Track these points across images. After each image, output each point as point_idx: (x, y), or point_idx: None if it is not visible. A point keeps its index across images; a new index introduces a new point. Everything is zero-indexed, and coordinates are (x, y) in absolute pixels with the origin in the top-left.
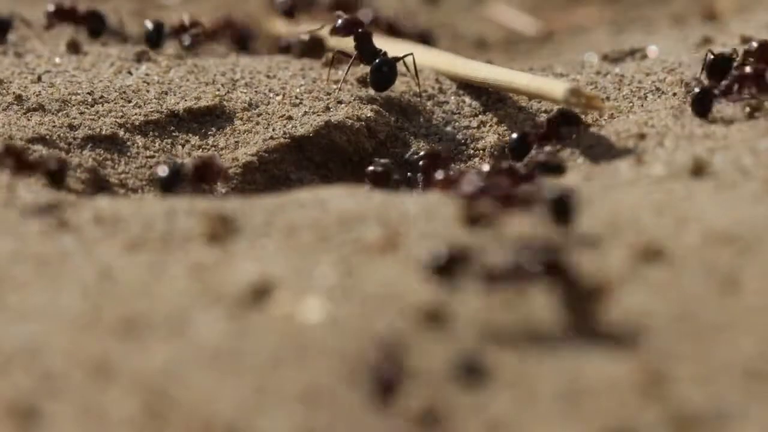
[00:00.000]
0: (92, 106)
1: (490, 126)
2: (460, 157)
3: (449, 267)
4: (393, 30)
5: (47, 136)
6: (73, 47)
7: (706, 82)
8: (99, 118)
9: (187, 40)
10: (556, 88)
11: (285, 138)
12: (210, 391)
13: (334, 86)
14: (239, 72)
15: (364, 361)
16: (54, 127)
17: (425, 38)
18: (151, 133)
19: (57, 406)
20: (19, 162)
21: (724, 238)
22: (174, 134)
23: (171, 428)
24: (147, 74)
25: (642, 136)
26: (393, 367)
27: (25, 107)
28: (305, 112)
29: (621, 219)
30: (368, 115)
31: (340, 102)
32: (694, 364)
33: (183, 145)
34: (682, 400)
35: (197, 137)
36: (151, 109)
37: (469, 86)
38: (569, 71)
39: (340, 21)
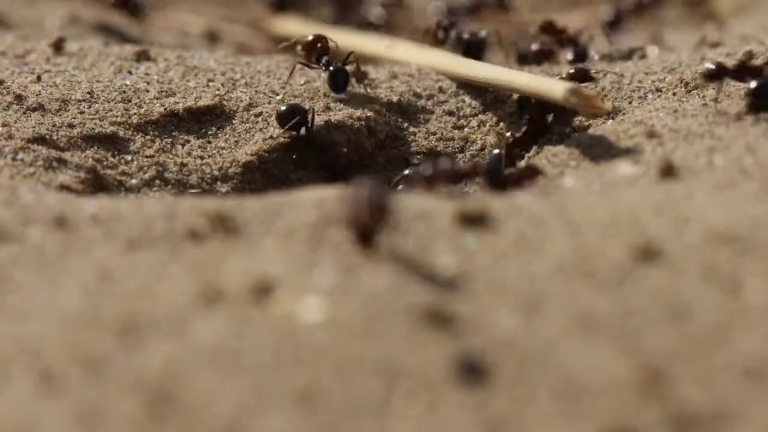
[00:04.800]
0: (92, 105)
1: (490, 126)
2: (460, 157)
3: None
4: None
5: (47, 136)
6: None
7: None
8: (99, 117)
9: None
10: (555, 87)
11: (285, 137)
12: (210, 391)
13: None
14: (239, 72)
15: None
16: (54, 126)
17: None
18: (151, 132)
19: (57, 406)
20: None
21: (724, 238)
22: (174, 134)
23: (171, 428)
24: (147, 74)
25: (642, 136)
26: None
27: (25, 107)
28: None
29: (621, 219)
30: (368, 114)
31: (340, 101)
32: (694, 364)
33: (183, 145)
34: (682, 400)
35: (197, 137)
36: (151, 109)
37: (469, 86)
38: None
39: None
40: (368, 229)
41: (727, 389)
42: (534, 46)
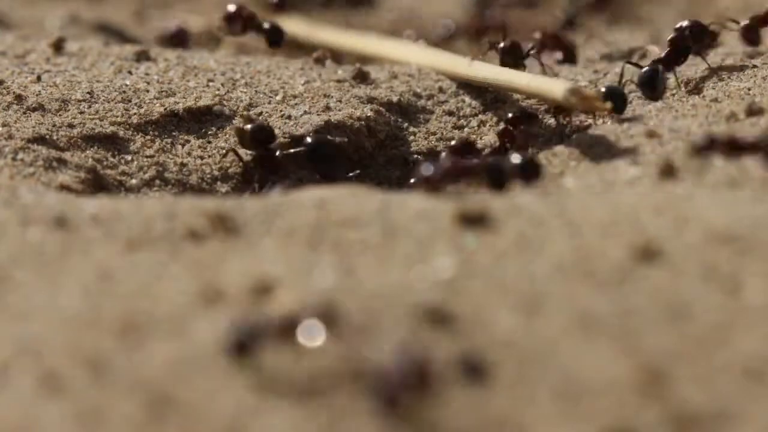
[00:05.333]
0: (92, 105)
1: (490, 126)
2: None
3: None
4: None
5: (47, 136)
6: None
7: None
8: (99, 117)
9: None
10: (556, 87)
11: (285, 137)
12: (210, 391)
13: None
14: (239, 72)
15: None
16: (54, 126)
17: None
18: (151, 132)
19: (57, 406)
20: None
21: (724, 238)
22: (174, 134)
23: (171, 428)
24: (147, 74)
25: (642, 136)
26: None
27: (25, 107)
28: (305, 112)
29: (621, 219)
30: (368, 114)
31: (340, 101)
32: (694, 364)
33: (183, 145)
34: (682, 400)
35: (197, 137)
36: (151, 109)
37: (469, 86)
38: (569, 71)
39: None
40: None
41: (727, 389)
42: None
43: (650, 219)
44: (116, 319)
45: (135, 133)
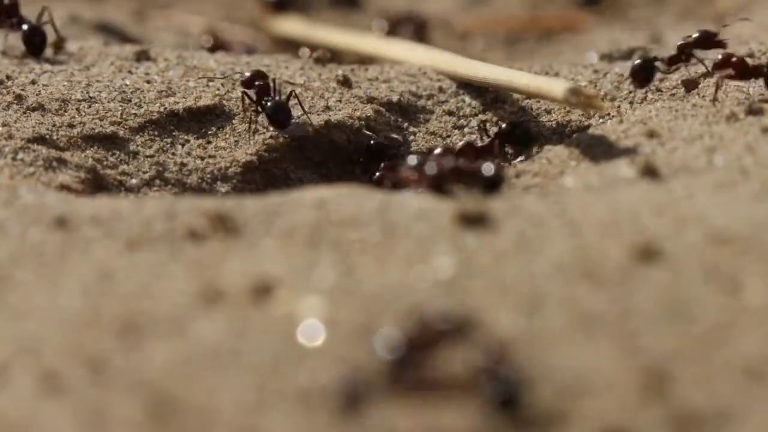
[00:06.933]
0: (92, 105)
1: (490, 125)
2: None
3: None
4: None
5: (47, 136)
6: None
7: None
8: (99, 117)
9: None
10: (556, 87)
11: (285, 137)
12: (210, 391)
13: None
14: (239, 72)
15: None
16: (54, 126)
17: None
18: (151, 132)
19: (57, 406)
20: None
21: (724, 238)
22: (174, 134)
23: (171, 428)
24: (147, 74)
25: (642, 136)
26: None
27: (25, 107)
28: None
29: (621, 219)
30: (368, 114)
31: (339, 101)
32: (694, 364)
33: (183, 145)
34: (682, 400)
35: (197, 137)
36: (151, 109)
37: (469, 86)
38: (569, 71)
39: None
40: None
41: (727, 389)
42: None
43: (650, 219)
44: (116, 319)
45: (135, 133)
